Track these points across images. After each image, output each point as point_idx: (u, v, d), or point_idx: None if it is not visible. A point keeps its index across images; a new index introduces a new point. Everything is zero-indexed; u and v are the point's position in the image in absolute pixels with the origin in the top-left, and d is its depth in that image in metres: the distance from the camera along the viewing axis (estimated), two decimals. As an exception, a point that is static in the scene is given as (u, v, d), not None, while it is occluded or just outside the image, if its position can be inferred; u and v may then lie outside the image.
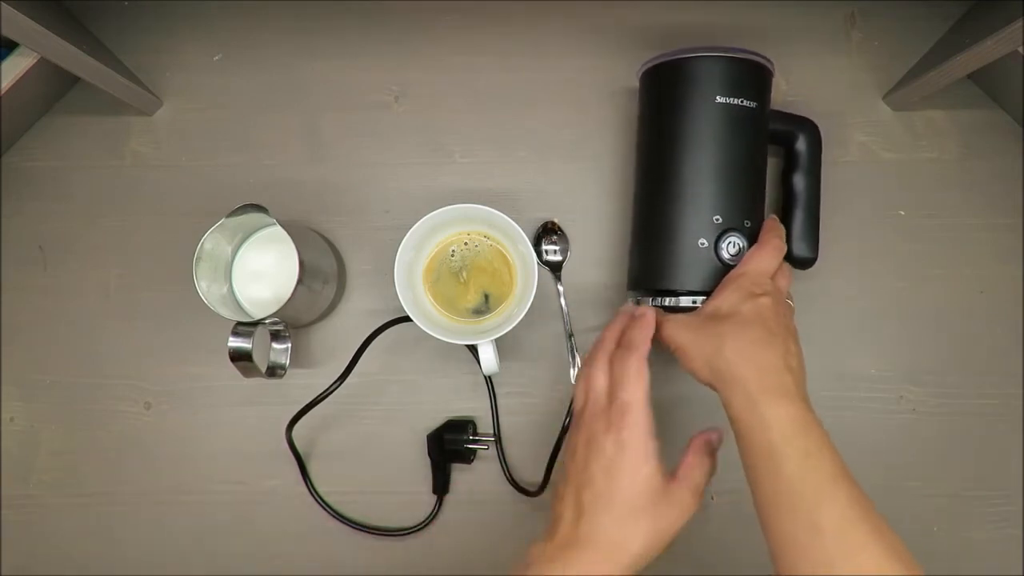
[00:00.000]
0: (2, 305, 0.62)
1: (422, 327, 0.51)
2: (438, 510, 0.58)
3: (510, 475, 0.58)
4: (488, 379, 0.59)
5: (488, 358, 0.52)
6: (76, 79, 0.63)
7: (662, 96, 0.52)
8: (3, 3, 0.46)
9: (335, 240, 0.62)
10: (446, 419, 0.59)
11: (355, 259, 0.62)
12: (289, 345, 0.56)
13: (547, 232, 0.61)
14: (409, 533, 0.58)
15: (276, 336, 0.55)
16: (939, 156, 0.61)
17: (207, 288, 0.52)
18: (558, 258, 0.60)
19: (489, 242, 0.57)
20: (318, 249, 0.57)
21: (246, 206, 0.52)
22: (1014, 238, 0.60)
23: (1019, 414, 0.58)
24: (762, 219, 0.51)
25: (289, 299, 0.51)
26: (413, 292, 0.55)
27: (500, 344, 0.53)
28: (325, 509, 0.59)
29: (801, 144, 0.55)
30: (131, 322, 0.61)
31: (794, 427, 0.39)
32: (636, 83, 0.55)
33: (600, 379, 0.44)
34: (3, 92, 0.56)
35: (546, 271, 0.60)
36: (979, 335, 0.59)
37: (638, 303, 0.52)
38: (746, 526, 0.56)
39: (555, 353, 0.60)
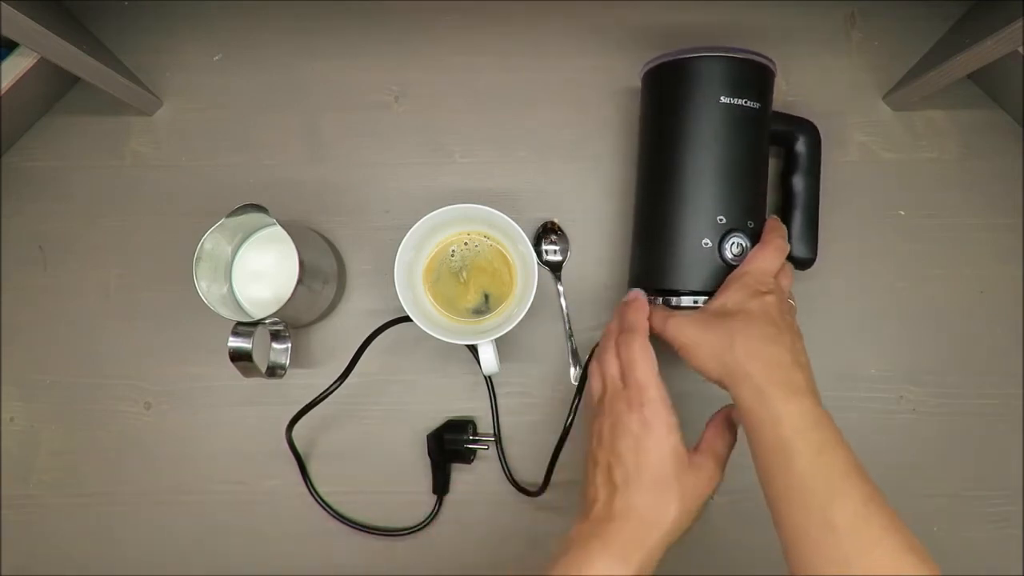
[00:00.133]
0: (2, 305, 0.62)
1: (422, 327, 0.51)
2: (438, 510, 0.58)
3: (510, 475, 0.58)
4: (488, 379, 0.59)
5: (488, 358, 0.52)
6: (76, 79, 0.63)
7: (666, 96, 0.52)
8: (3, 3, 0.46)
9: (335, 240, 0.62)
10: (446, 419, 0.59)
11: (355, 259, 0.62)
12: (289, 345, 0.56)
13: (547, 232, 0.61)
14: (409, 533, 0.58)
15: (276, 336, 0.55)
16: (939, 156, 0.61)
17: (207, 288, 0.52)
18: (558, 258, 0.60)
19: (489, 242, 0.57)
20: (318, 249, 0.57)
21: (246, 206, 0.52)
22: (1014, 238, 0.60)
23: (1019, 414, 0.58)
24: (764, 220, 0.51)
25: (289, 299, 0.51)
26: (413, 292, 0.55)
27: (500, 344, 0.53)
28: (325, 509, 0.59)
29: (801, 144, 0.55)
30: (131, 322, 0.61)
31: (806, 422, 0.39)
32: (636, 83, 0.55)
33: (612, 365, 0.46)
34: (3, 92, 0.56)
35: (546, 271, 0.60)
36: (979, 335, 0.59)
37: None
38: (746, 526, 0.56)
39: (555, 353, 0.60)
